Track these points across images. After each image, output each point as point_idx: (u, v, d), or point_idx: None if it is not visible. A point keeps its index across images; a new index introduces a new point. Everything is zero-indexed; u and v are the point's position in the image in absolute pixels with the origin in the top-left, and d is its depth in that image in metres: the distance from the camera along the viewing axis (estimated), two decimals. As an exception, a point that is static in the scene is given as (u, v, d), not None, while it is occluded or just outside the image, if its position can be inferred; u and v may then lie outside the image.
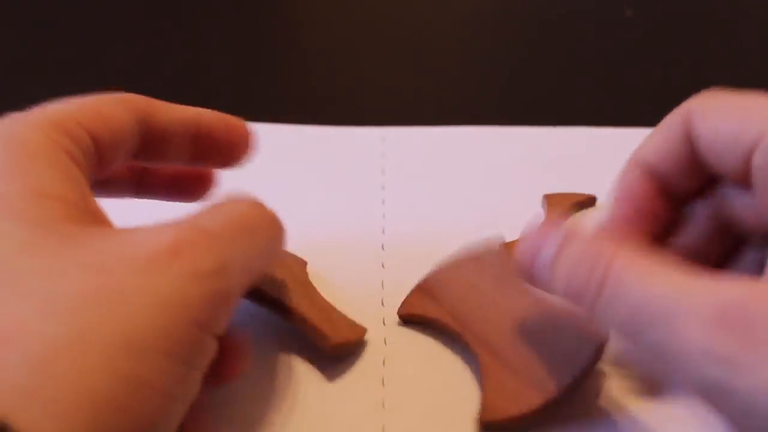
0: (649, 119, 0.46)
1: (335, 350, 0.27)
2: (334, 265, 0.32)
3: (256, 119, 0.44)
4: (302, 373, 0.27)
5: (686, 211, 0.26)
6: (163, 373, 0.18)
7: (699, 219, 0.25)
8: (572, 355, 0.25)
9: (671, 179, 0.25)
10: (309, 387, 0.26)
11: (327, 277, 0.32)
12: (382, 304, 0.31)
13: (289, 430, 0.25)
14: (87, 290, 0.18)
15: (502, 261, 0.29)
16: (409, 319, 0.29)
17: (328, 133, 0.44)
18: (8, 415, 0.15)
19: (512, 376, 0.25)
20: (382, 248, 0.34)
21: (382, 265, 0.33)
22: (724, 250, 0.26)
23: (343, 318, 0.29)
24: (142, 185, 0.30)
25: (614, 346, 0.26)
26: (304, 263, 0.32)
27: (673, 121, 0.24)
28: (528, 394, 0.24)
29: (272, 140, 0.43)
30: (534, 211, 0.36)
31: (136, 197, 0.30)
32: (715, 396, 0.18)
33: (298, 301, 0.28)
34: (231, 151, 0.29)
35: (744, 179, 0.22)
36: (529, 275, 0.23)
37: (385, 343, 0.29)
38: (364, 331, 0.28)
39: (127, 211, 0.26)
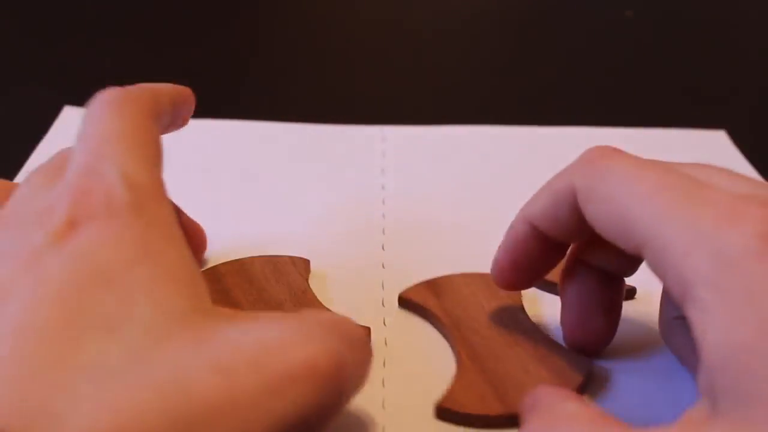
0: (649, 119, 0.46)
1: None
2: (334, 266, 0.32)
3: (257, 118, 0.44)
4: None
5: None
6: None
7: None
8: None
9: (558, 238, 0.25)
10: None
11: (327, 277, 0.32)
12: (383, 304, 0.31)
13: (289, 430, 0.25)
14: (211, 394, 0.18)
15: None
16: (407, 303, 0.30)
17: (328, 131, 0.44)
18: None
19: (483, 382, 0.26)
20: (383, 248, 0.34)
21: (382, 265, 0.33)
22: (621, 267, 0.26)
23: None
24: None
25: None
26: (307, 263, 0.31)
27: (559, 192, 0.24)
28: (492, 400, 0.25)
29: (272, 139, 0.43)
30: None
31: None
32: None
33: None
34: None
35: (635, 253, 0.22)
36: None
37: (386, 343, 0.29)
38: (367, 331, 0.28)
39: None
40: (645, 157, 0.23)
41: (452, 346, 0.28)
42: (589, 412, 0.20)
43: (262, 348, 0.19)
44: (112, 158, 0.22)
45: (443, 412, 0.25)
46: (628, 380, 0.27)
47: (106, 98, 0.24)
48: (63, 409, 0.16)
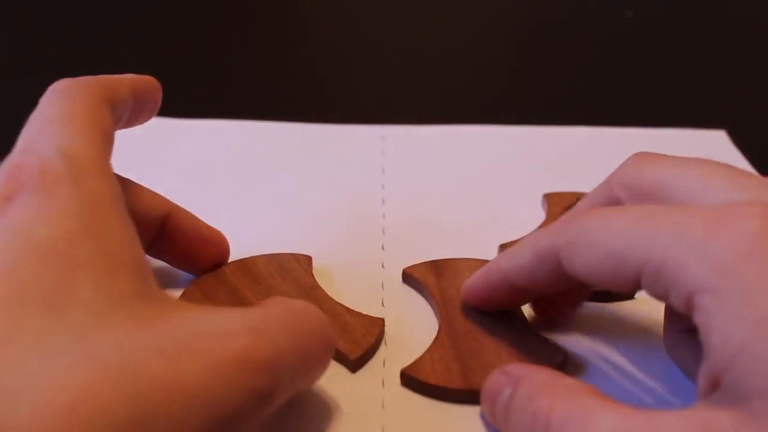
0: (649, 119, 0.46)
1: (358, 363, 0.27)
2: (333, 266, 0.32)
3: (256, 117, 0.44)
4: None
5: None
6: None
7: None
8: None
9: (532, 290, 0.26)
10: (309, 388, 0.26)
11: (327, 277, 0.31)
12: (383, 304, 0.31)
13: (289, 430, 0.25)
14: (158, 376, 0.18)
15: None
16: (408, 278, 0.32)
17: (328, 131, 0.44)
18: None
19: (453, 358, 0.27)
20: (382, 248, 0.34)
21: (382, 265, 0.33)
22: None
23: (358, 318, 0.29)
24: (152, 248, 0.30)
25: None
26: (309, 259, 0.32)
27: (540, 252, 0.25)
28: (456, 375, 0.26)
29: (272, 139, 0.43)
30: (534, 211, 0.36)
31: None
32: None
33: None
34: (198, 258, 0.30)
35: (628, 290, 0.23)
36: (493, 419, 0.24)
37: (386, 343, 0.29)
38: (381, 323, 0.29)
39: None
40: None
41: (438, 323, 0.29)
42: (581, 384, 0.22)
43: (200, 336, 0.19)
44: (51, 136, 0.22)
45: (407, 379, 0.27)
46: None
47: (56, 87, 0.24)
48: (14, 386, 0.17)
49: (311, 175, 0.40)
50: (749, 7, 0.68)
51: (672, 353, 0.26)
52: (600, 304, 0.30)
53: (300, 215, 0.36)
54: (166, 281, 0.31)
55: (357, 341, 0.28)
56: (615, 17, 0.63)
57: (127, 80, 0.26)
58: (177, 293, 0.30)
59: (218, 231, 0.31)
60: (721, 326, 0.19)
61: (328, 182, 0.39)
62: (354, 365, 0.27)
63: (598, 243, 0.22)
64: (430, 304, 0.30)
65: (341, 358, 0.27)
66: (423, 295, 0.31)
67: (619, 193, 0.26)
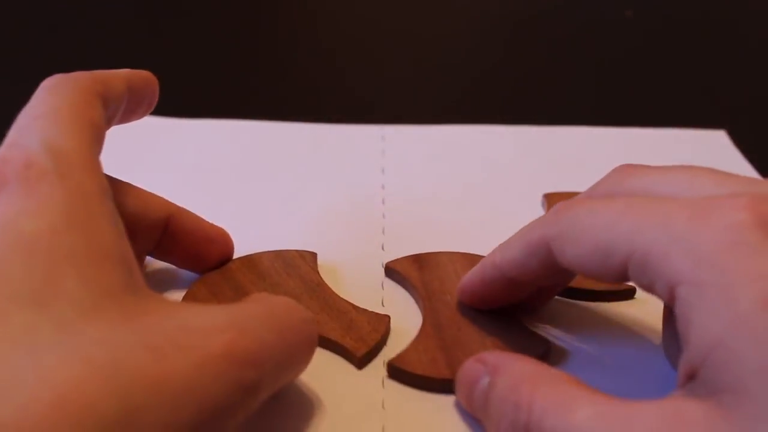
0: (649, 119, 0.46)
1: (365, 360, 0.27)
2: (333, 266, 0.32)
3: (256, 117, 0.44)
4: (302, 374, 0.27)
5: None
6: None
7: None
8: None
9: (525, 282, 0.26)
10: (308, 387, 0.26)
11: (329, 276, 0.31)
12: (382, 304, 0.31)
13: (289, 430, 0.25)
14: (146, 371, 0.18)
15: None
16: (391, 272, 0.32)
17: (328, 131, 0.44)
18: None
19: (438, 349, 0.27)
20: (382, 248, 0.34)
21: (382, 265, 0.33)
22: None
23: (364, 315, 0.29)
24: (157, 250, 0.30)
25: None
26: (314, 256, 0.32)
27: (531, 243, 0.25)
28: (442, 365, 0.27)
29: (272, 138, 0.43)
30: (534, 211, 0.36)
31: (150, 256, 0.31)
32: None
33: (315, 318, 0.28)
34: (203, 257, 0.30)
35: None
36: (470, 407, 0.24)
37: (386, 343, 0.29)
38: (387, 320, 0.29)
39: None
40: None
41: (422, 315, 0.29)
42: (559, 373, 0.22)
43: (186, 331, 0.19)
44: (37, 130, 0.22)
45: (393, 371, 0.27)
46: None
47: (46, 83, 0.24)
48: (1, 382, 0.17)
49: (311, 175, 0.39)
50: (749, 7, 0.68)
51: (669, 355, 0.26)
52: (593, 303, 0.31)
53: (299, 215, 0.36)
54: (169, 281, 0.31)
55: (363, 338, 0.28)
56: (615, 17, 0.63)
57: (122, 75, 0.26)
58: (180, 293, 0.30)
59: (221, 228, 0.31)
60: (699, 320, 0.19)
61: (328, 182, 0.39)
62: (360, 362, 0.27)
63: (586, 234, 0.22)
64: (413, 297, 0.31)
65: (347, 355, 0.27)
66: (406, 288, 0.31)
67: None
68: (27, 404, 0.16)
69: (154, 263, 0.32)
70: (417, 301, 0.30)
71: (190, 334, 0.19)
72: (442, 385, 0.26)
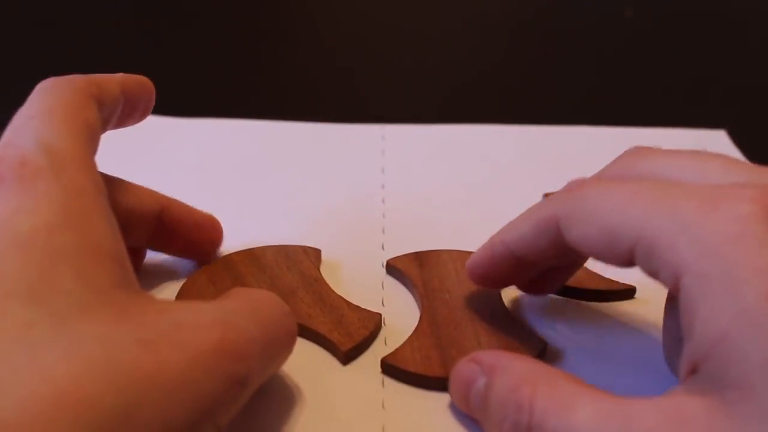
0: (649, 119, 0.46)
1: (350, 354, 0.27)
2: (334, 265, 0.32)
3: (256, 117, 0.44)
4: (302, 373, 0.27)
5: None
6: None
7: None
8: None
9: (533, 261, 0.26)
10: (309, 387, 0.26)
11: (330, 274, 0.31)
12: (383, 304, 0.31)
13: (289, 430, 0.25)
14: (142, 367, 0.18)
15: None
16: (391, 269, 0.32)
17: (328, 130, 0.44)
18: None
19: (433, 346, 0.27)
20: (382, 248, 0.34)
21: (382, 265, 0.33)
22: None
23: (355, 311, 0.29)
24: (153, 242, 0.30)
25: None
26: (318, 252, 0.32)
27: (540, 221, 0.24)
28: (436, 363, 0.27)
29: (272, 138, 0.43)
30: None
31: (146, 248, 0.31)
32: None
33: (307, 311, 0.29)
34: (197, 243, 0.31)
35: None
36: (466, 410, 0.24)
37: (386, 343, 0.29)
38: (378, 318, 0.29)
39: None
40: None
41: (419, 312, 0.29)
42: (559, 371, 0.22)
43: (178, 327, 0.20)
44: (31, 129, 0.22)
45: (387, 368, 0.27)
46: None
47: (42, 85, 0.24)
48: (1, 377, 0.17)
49: (311, 174, 0.39)
50: (750, 7, 0.68)
51: (670, 359, 0.26)
52: (593, 303, 0.31)
53: (300, 215, 0.36)
54: (165, 275, 0.31)
55: (350, 333, 0.28)
56: (615, 17, 0.63)
57: (117, 79, 0.26)
58: (178, 284, 0.30)
59: (210, 214, 0.31)
60: (704, 313, 0.19)
61: (328, 182, 0.39)
62: (344, 357, 0.27)
63: (594, 216, 0.22)
64: (412, 294, 0.31)
65: (333, 350, 0.28)
66: (406, 285, 0.31)
67: None
68: (26, 400, 0.16)
69: (150, 258, 0.32)
70: (416, 299, 0.30)
71: (182, 331, 0.20)
72: (436, 383, 0.26)
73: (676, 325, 0.24)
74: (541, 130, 0.44)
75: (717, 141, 0.44)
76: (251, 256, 0.31)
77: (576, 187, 0.24)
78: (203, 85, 0.51)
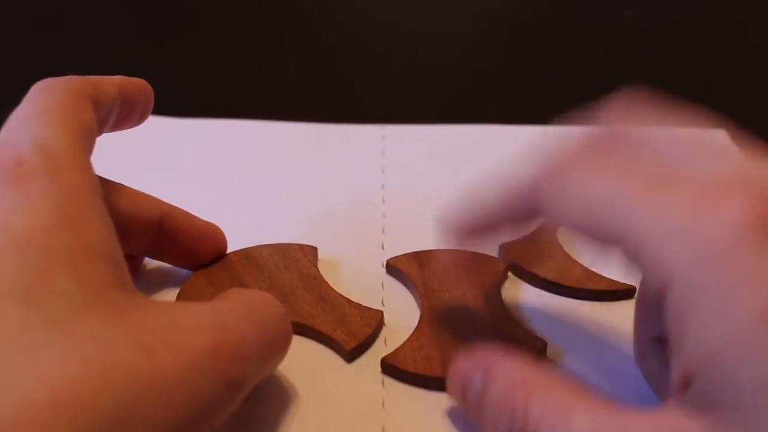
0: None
1: (354, 353, 0.28)
2: (334, 265, 0.32)
3: (256, 117, 0.44)
4: (302, 373, 0.27)
5: None
6: None
7: None
8: None
9: (513, 225, 0.26)
10: (309, 387, 0.26)
11: (329, 274, 0.31)
12: (383, 304, 0.31)
13: (289, 430, 0.25)
14: (138, 368, 0.18)
15: (492, 268, 0.31)
16: (391, 269, 0.32)
17: (328, 130, 0.44)
18: None
19: (433, 346, 0.27)
20: (382, 248, 0.34)
21: (382, 265, 0.33)
22: None
23: (357, 309, 0.29)
24: (152, 250, 0.30)
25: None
26: (315, 250, 0.32)
27: (521, 197, 0.24)
28: (436, 363, 0.27)
29: (272, 138, 0.43)
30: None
31: (145, 256, 0.31)
32: None
33: (308, 310, 0.29)
34: (199, 253, 0.31)
35: None
36: (464, 407, 0.24)
37: (386, 343, 0.29)
38: (380, 315, 0.29)
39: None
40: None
41: (420, 312, 0.29)
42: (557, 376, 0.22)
43: (174, 329, 0.20)
44: (26, 130, 0.22)
45: (387, 368, 0.27)
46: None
47: (38, 85, 0.24)
48: None
49: (311, 174, 0.39)
50: (750, 7, 0.68)
51: (640, 362, 0.25)
52: (593, 303, 0.31)
53: (300, 215, 0.36)
54: (165, 280, 0.31)
55: (354, 332, 0.28)
56: (615, 17, 0.63)
57: (114, 80, 0.26)
58: (176, 291, 0.30)
59: (214, 224, 0.31)
60: (696, 326, 0.18)
61: (328, 182, 0.39)
62: (350, 355, 0.27)
63: (577, 207, 0.22)
64: (413, 294, 0.31)
65: (338, 348, 0.28)
66: (406, 285, 0.31)
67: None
68: (25, 403, 0.16)
69: (149, 262, 0.32)
70: (416, 299, 0.30)
71: (178, 332, 0.20)
72: (436, 383, 0.26)
73: (651, 326, 0.24)
74: (540, 130, 0.44)
75: (717, 141, 0.44)
76: (249, 255, 0.31)
77: (556, 167, 0.23)
78: (203, 85, 0.51)
